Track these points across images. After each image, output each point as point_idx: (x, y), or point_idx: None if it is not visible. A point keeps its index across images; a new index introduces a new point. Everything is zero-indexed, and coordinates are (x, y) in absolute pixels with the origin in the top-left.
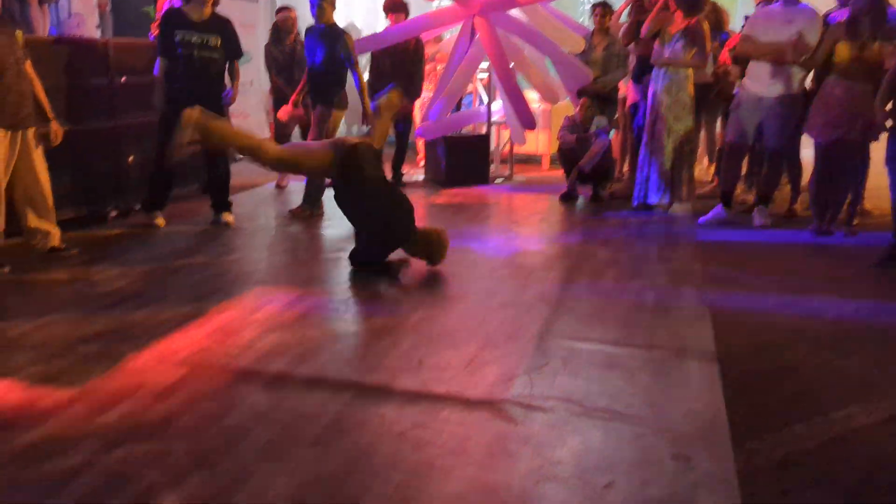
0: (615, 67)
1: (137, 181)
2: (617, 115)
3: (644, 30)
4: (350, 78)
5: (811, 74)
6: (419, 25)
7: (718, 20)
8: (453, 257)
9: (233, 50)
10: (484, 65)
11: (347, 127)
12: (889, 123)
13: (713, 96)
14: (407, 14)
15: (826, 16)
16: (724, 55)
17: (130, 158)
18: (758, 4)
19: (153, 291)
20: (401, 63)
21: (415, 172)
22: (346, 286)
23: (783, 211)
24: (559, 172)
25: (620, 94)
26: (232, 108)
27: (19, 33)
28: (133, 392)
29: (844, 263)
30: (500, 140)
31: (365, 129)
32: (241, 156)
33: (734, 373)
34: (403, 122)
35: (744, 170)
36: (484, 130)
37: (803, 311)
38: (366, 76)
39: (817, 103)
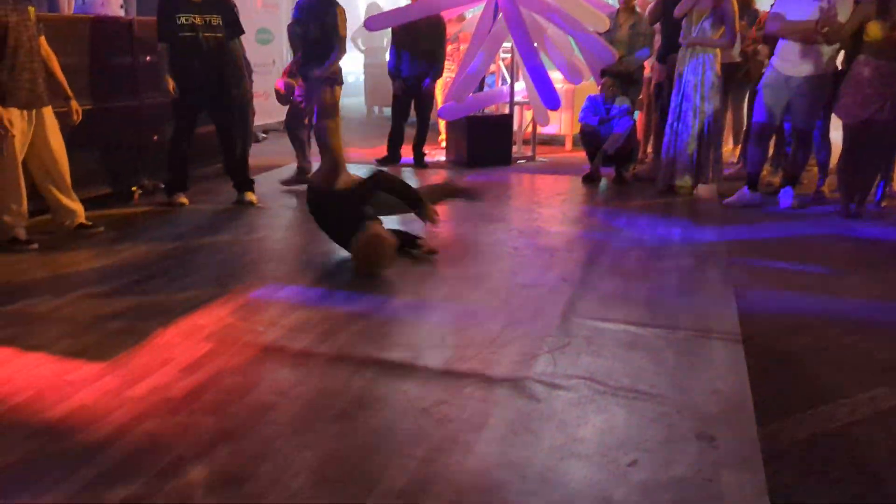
0: (641, 46)
1: (162, 160)
2: (641, 96)
3: (678, 11)
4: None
5: (841, 55)
6: (442, 2)
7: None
8: (477, 237)
9: (233, 28)
10: (507, 44)
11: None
12: None
13: (741, 76)
14: None
15: None
16: (753, 33)
17: (155, 137)
18: None
19: (178, 269)
20: (422, 40)
21: (436, 153)
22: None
23: (811, 193)
24: (582, 153)
25: (646, 73)
26: (254, 88)
27: (32, 9)
28: (160, 366)
29: (872, 246)
30: (522, 121)
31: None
32: (265, 136)
33: (759, 354)
34: (425, 101)
35: (770, 151)
36: (507, 111)
37: (829, 293)
38: (386, 56)
39: (846, 83)
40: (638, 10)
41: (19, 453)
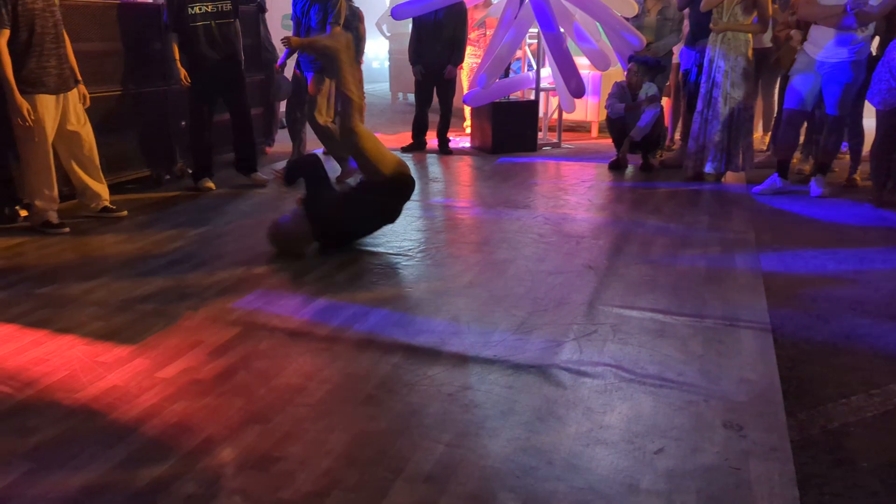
0: (669, 32)
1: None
2: (669, 82)
3: (705, 5)
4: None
5: (876, 41)
6: None
7: None
8: (502, 224)
9: (236, 10)
10: (533, 30)
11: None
12: None
13: (772, 62)
14: None
15: None
16: (786, 17)
17: (183, 123)
18: None
19: (206, 252)
20: (443, 26)
21: (461, 139)
22: (396, 249)
23: (842, 181)
24: (608, 140)
25: (674, 60)
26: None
27: None
28: (189, 349)
29: None
30: (548, 107)
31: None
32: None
33: (789, 343)
34: (446, 87)
35: (801, 138)
36: (532, 97)
37: (861, 282)
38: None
39: (880, 70)
40: None
41: (55, 431)
